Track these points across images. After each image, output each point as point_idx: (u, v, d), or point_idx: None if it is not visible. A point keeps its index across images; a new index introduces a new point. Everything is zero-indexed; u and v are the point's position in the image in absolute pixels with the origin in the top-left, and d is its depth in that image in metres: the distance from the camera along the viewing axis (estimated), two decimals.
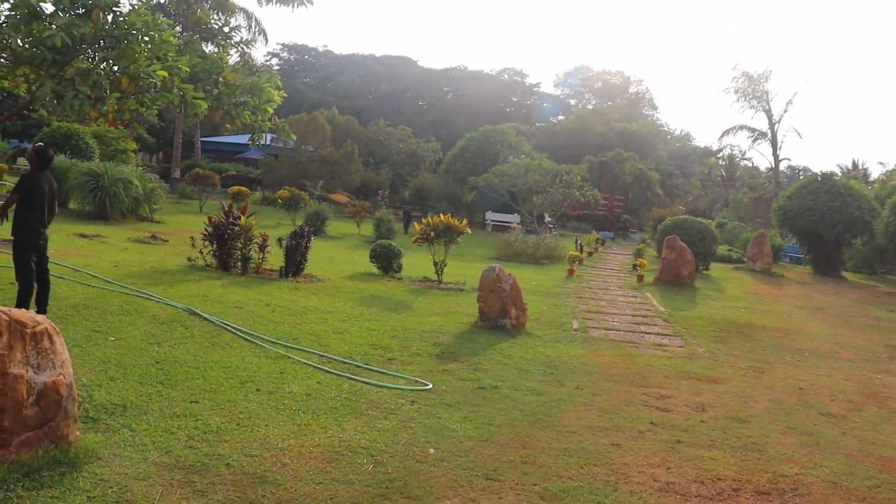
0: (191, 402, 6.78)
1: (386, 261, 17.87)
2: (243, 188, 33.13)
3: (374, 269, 17.85)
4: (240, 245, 15.38)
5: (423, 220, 17.30)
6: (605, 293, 18.99)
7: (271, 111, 11.56)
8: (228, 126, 11.42)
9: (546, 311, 14.59)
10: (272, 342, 9.61)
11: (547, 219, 38.15)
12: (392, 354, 9.81)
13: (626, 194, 48.93)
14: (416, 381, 8.48)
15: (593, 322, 14.13)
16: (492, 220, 40.51)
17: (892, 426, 8.55)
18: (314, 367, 8.66)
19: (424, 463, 5.91)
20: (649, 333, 13.57)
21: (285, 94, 12.06)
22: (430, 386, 8.27)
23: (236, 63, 12.03)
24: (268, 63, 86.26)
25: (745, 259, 29.66)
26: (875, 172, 51.62)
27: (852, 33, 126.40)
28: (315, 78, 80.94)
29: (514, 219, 38.40)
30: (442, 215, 17.25)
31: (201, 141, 55.06)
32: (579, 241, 28.66)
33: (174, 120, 46.77)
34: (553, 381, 9.11)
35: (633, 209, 49.27)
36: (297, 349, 9.44)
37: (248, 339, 9.59)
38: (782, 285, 25.02)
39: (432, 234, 16.84)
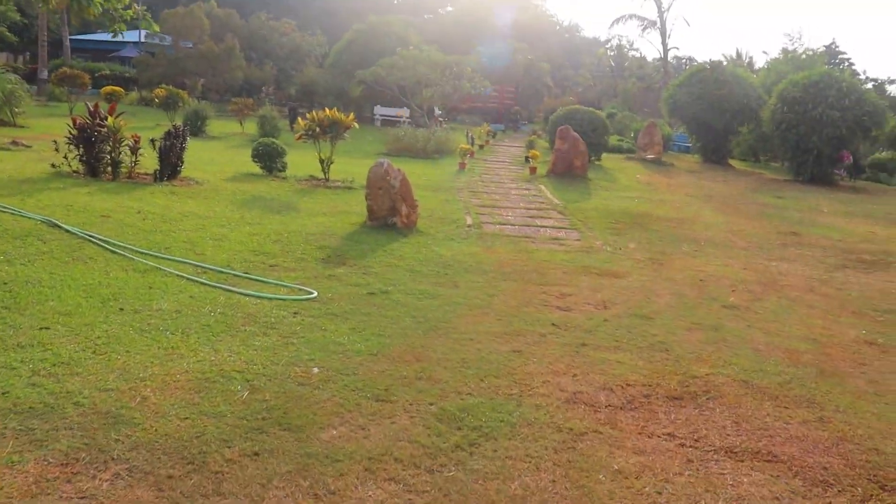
0: (41, 328, 5.92)
1: (269, 160, 16.89)
2: (117, 88, 30.98)
3: (256, 169, 16.88)
4: (109, 148, 14.18)
5: (308, 115, 16.34)
6: (498, 186, 18.51)
7: None
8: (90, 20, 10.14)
9: (438, 208, 14.00)
10: (141, 253, 8.74)
11: (437, 112, 37.28)
12: (275, 261, 9.06)
13: (517, 85, 48.35)
14: (300, 289, 7.79)
15: (487, 217, 13.63)
16: (381, 115, 39.38)
17: (793, 316, 8.35)
18: (188, 279, 7.85)
19: (307, 385, 5.27)
20: (545, 227, 13.16)
21: None
22: (315, 294, 7.59)
23: None
24: None
25: (636, 149, 29.63)
26: (759, 61, 52.22)
27: None
28: None
29: (403, 113, 37.40)
30: (328, 110, 16.34)
31: (71, 39, 51.55)
32: (470, 134, 28.02)
33: (38, 17, 43.52)
34: (447, 283, 8.55)
35: (523, 101, 48.82)
36: (170, 260, 8.60)
37: (114, 252, 8.67)
38: (673, 174, 25.08)
39: (317, 129, 15.91)
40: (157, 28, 12.86)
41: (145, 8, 13.26)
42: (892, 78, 42.57)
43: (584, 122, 25.06)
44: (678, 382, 5.84)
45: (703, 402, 5.50)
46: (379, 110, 39.80)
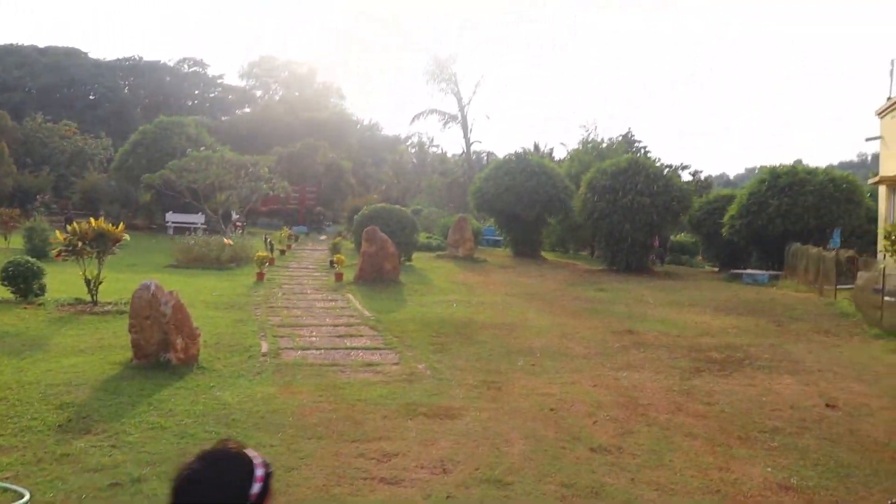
0: None
1: (22, 282, 14.06)
2: None
3: (8, 294, 13.97)
4: None
5: (69, 228, 13.75)
6: (301, 298, 16.35)
7: None
8: None
9: (228, 332, 11.66)
10: None
11: (234, 216, 34.83)
12: None
13: (319, 185, 46.65)
14: (7, 489, 5.30)
15: (287, 340, 11.42)
16: (172, 222, 36.33)
17: (676, 454, 6.64)
18: None
19: None
20: (356, 349, 11.10)
21: None
22: (27, 498, 5.13)
23: None
24: None
25: (447, 246, 28.28)
26: (558, 153, 53.03)
27: (528, 26, 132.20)
28: None
29: (198, 219, 34.61)
30: (93, 220, 13.83)
31: None
32: (269, 240, 25.73)
33: None
34: None
35: (326, 200, 47.09)
36: None
37: None
38: (488, 271, 23.75)
39: (79, 244, 13.34)
40: None
41: None
42: (684, 164, 43.91)
43: (391, 221, 23.44)
44: None
45: None
46: (171, 217, 36.75)
